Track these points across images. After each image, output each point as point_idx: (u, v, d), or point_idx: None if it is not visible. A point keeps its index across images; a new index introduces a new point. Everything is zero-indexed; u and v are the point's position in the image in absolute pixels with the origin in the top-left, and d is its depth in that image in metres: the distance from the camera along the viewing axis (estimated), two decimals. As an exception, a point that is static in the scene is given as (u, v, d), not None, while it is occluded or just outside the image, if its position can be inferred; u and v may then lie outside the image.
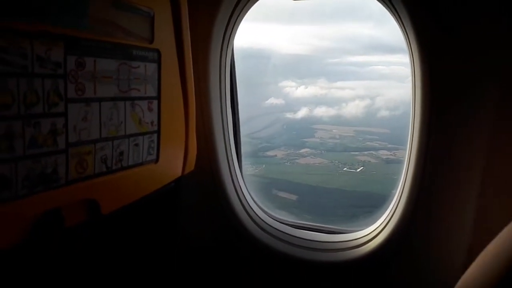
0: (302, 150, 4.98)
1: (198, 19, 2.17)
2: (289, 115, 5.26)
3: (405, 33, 2.00)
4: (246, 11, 2.35)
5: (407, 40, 2.01)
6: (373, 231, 2.29)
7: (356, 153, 4.78)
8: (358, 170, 4.53)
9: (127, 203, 1.39)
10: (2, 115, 0.97)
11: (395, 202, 2.20)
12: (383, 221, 2.25)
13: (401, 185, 2.17)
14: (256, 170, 4.53)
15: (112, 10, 1.26)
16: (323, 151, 4.96)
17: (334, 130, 5.13)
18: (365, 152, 4.67)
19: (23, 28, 1.00)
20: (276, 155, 4.90)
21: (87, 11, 1.17)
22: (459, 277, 0.85)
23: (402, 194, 2.11)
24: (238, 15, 2.34)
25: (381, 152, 4.52)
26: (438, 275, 2.04)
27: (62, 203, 1.16)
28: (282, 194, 4.39)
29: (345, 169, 4.62)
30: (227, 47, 2.39)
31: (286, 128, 5.39)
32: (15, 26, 0.98)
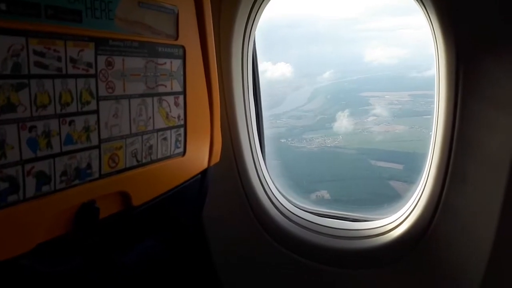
0: (370, 118, 4.65)
1: (220, 13, 2.19)
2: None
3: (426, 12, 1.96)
4: (267, 2, 2.35)
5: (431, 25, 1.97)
6: (397, 219, 2.29)
7: (429, 116, 4.47)
8: (447, 133, 4.25)
9: (157, 194, 1.46)
10: (41, 115, 1.03)
11: (420, 190, 2.19)
12: (407, 210, 2.25)
13: (426, 173, 2.15)
14: (336, 142, 4.36)
15: (138, 10, 1.30)
16: (393, 118, 4.61)
17: (386, 96, 4.83)
18: (439, 115, 4.33)
19: (57, 31, 1.05)
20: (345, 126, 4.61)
21: (115, 12, 1.22)
22: (482, 270, 0.84)
23: (427, 182, 2.10)
24: (260, 6, 2.35)
25: (454, 113, 4.16)
26: (460, 267, 2.02)
27: (96, 196, 1.23)
28: (383, 164, 4.11)
29: (431, 133, 4.36)
30: (249, 38, 2.41)
31: (330, 98, 5.06)
32: (51, 29, 1.04)
